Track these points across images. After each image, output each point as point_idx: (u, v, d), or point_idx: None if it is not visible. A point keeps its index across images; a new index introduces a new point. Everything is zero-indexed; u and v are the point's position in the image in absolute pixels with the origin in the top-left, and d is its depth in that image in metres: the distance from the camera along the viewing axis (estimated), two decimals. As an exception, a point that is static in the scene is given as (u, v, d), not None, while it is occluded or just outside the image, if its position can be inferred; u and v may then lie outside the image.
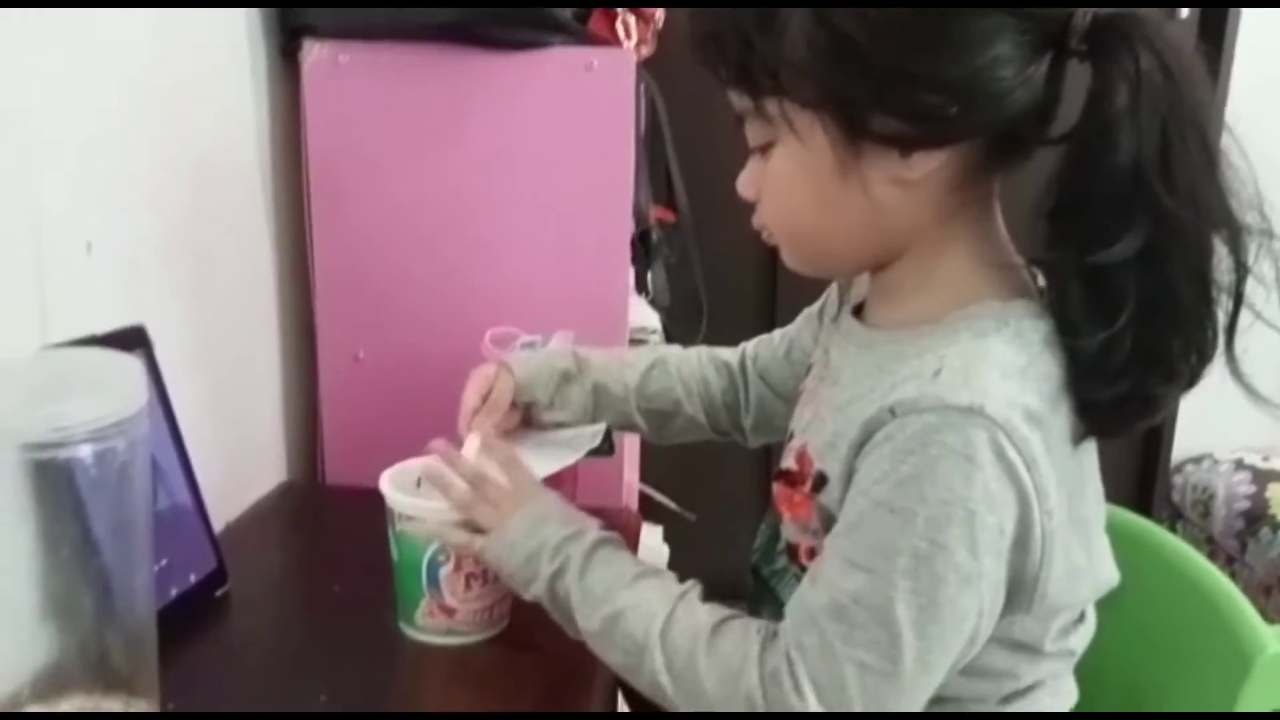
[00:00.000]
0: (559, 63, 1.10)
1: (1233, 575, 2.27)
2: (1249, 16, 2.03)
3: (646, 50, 1.35)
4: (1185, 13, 2.01)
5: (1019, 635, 0.68)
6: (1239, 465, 2.36)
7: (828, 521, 0.69)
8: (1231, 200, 0.62)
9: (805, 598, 0.66)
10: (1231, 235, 0.62)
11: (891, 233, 0.69)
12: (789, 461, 0.75)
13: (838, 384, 0.74)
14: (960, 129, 0.64)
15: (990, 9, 0.61)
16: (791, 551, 0.75)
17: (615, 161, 1.13)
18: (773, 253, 0.78)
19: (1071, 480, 0.66)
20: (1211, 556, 2.35)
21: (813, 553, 0.71)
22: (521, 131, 1.12)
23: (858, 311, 0.78)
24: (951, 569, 0.60)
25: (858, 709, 0.62)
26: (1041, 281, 0.70)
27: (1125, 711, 0.81)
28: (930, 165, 0.65)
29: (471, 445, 0.87)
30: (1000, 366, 0.63)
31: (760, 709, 0.65)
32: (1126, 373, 0.64)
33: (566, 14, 1.10)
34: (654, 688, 0.70)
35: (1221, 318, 0.64)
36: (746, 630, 0.68)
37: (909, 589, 0.61)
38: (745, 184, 0.74)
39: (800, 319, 0.96)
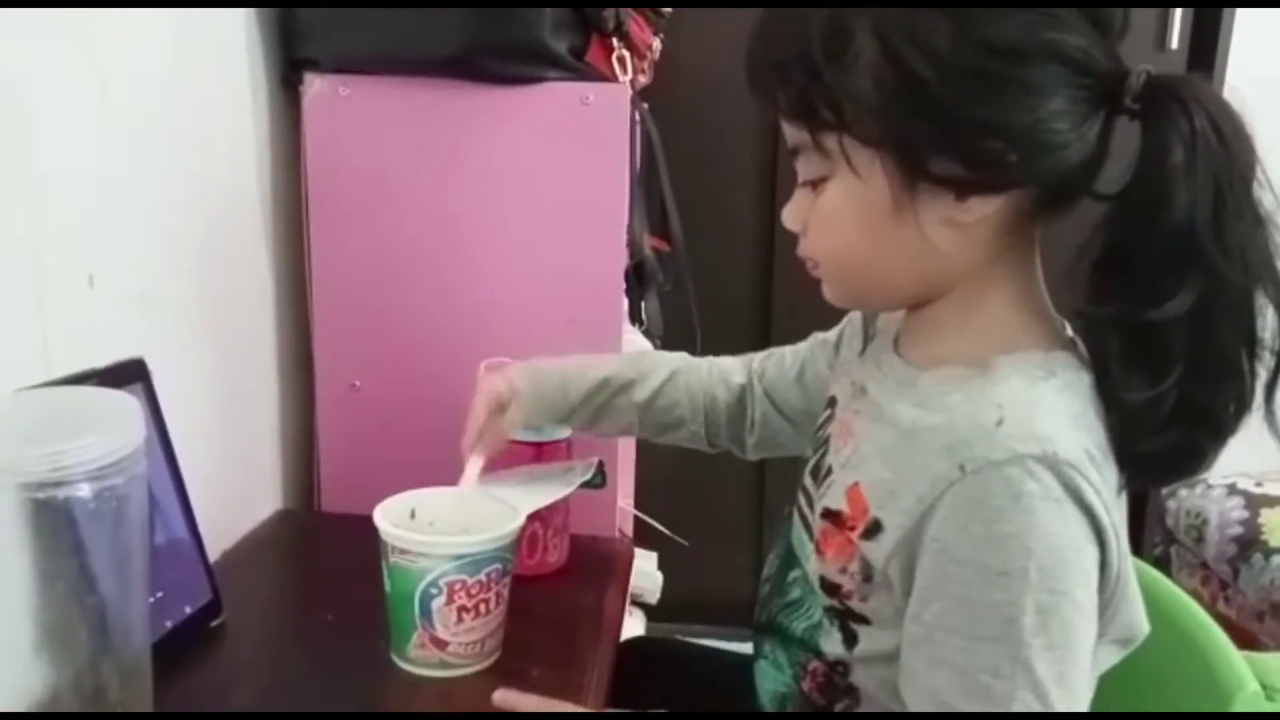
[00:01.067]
0: (555, 97, 1.11)
1: (1226, 601, 2.27)
2: (1237, 49, 2.05)
3: (644, 80, 1.37)
4: (1175, 45, 2.03)
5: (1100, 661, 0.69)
6: (1232, 490, 2.36)
7: (867, 569, 0.69)
8: (1277, 260, 0.63)
9: (933, 687, 0.65)
10: (1276, 294, 0.63)
11: (939, 272, 0.70)
12: (837, 502, 0.74)
13: (879, 420, 0.74)
14: (1017, 177, 0.65)
15: (1050, 65, 0.62)
16: (825, 587, 0.74)
17: (610, 194, 1.14)
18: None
19: (1121, 528, 0.67)
20: (1205, 582, 2.36)
21: (850, 595, 0.71)
22: (518, 164, 1.13)
23: (894, 344, 0.79)
24: (1075, 609, 0.61)
25: None
26: (1070, 332, 0.71)
27: (1121, 712, 0.82)
28: (985, 210, 0.66)
29: (473, 469, 0.89)
30: (1056, 414, 0.64)
31: None
32: (1171, 427, 0.65)
33: (563, 49, 1.11)
34: None
35: (1263, 373, 0.65)
36: None
37: (1044, 645, 0.61)
38: (791, 217, 0.75)
39: (812, 343, 0.97)
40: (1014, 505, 0.61)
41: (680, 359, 1.02)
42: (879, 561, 0.68)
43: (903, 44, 0.63)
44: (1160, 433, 0.65)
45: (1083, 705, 0.64)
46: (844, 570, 0.72)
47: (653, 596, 1.67)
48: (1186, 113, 0.61)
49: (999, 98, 0.62)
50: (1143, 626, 0.71)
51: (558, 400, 0.95)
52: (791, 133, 0.71)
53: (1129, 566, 0.66)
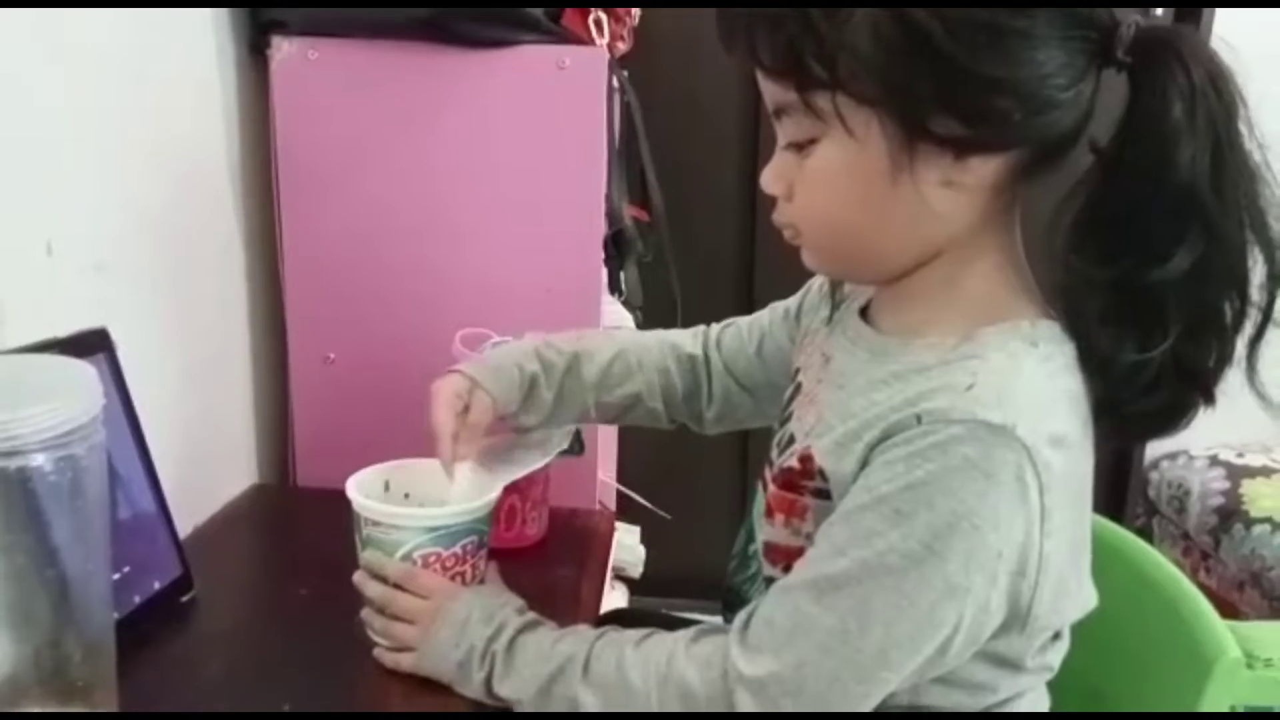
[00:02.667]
0: (531, 61, 1.09)
1: (1207, 571, 2.29)
2: (1218, 30, 2.04)
3: (624, 46, 1.35)
4: (1159, 12, 2.02)
5: (1003, 650, 0.68)
6: (1214, 461, 2.37)
7: (820, 520, 0.69)
8: (1269, 214, 0.62)
9: (787, 579, 0.67)
10: (1268, 249, 0.62)
11: (931, 235, 0.68)
12: (790, 461, 0.73)
13: (844, 389, 0.73)
14: (1020, 135, 0.63)
15: (1053, 13, 0.60)
16: (769, 554, 0.74)
17: (587, 161, 1.12)
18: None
19: (1080, 501, 0.66)
20: (1186, 553, 2.37)
21: (793, 556, 0.70)
22: (493, 130, 1.11)
23: (862, 312, 0.77)
24: (940, 577, 0.60)
25: (809, 687, 0.63)
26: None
27: (1107, 712, 0.82)
28: (984, 170, 0.64)
29: (463, 474, 0.85)
30: (1034, 388, 0.63)
31: (697, 686, 0.66)
32: (1160, 386, 0.64)
33: (538, 12, 1.09)
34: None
35: (1248, 329, 0.64)
36: (674, 636, 0.70)
37: (891, 586, 0.61)
38: (772, 180, 0.71)
39: (771, 313, 0.95)
40: (940, 458, 0.60)
41: (627, 335, 0.99)
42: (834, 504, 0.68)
43: None
44: (1149, 392, 0.64)
45: (898, 664, 0.63)
46: (799, 532, 0.71)
47: (635, 570, 1.66)
48: (1184, 67, 0.59)
49: (1006, 51, 0.60)
50: (1090, 600, 0.70)
51: (513, 388, 0.90)
52: (775, 92, 0.67)
53: (1062, 555, 0.64)
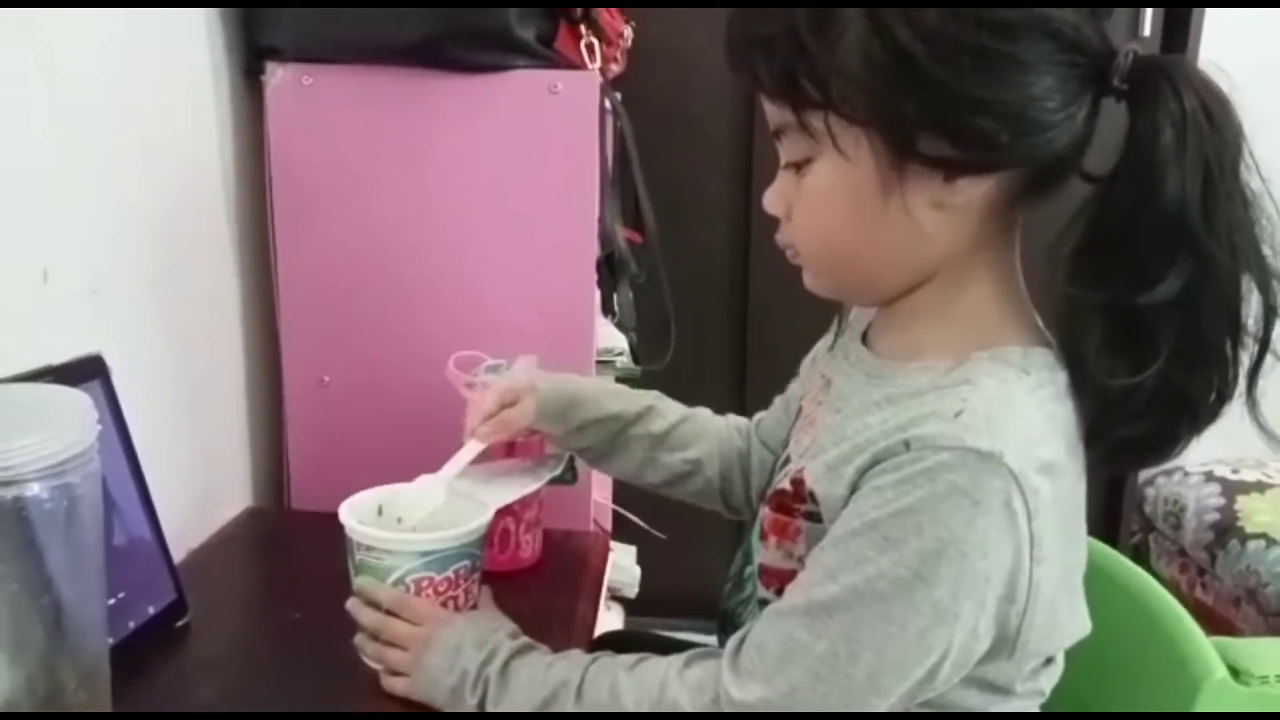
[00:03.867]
0: (523, 85, 1.10)
1: (1203, 587, 2.29)
2: (1209, 36, 2.06)
3: (617, 68, 1.36)
4: (1148, 32, 2.04)
5: (992, 676, 0.68)
6: (1209, 477, 2.38)
7: (813, 544, 0.69)
8: (1264, 244, 0.62)
9: (780, 603, 0.67)
10: (1262, 278, 0.62)
11: (923, 258, 0.69)
12: (783, 483, 0.74)
13: (840, 412, 0.73)
14: (1008, 157, 0.64)
15: (1042, 41, 0.61)
16: (764, 576, 0.75)
17: (580, 184, 1.13)
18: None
19: (1070, 527, 0.67)
20: (1183, 569, 2.38)
21: (786, 579, 0.71)
22: (486, 154, 1.12)
23: (863, 337, 0.78)
24: (929, 603, 0.61)
25: (799, 713, 0.64)
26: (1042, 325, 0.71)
27: (1104, 712, 0.82)
28: (973, 192, 0.65)
29: (471, 451, 0.88)
30: (1023, 416, 0.63)
31: (689, 711, 0.67)
32: (1149, 413, 0.64)
33: (530, 36, 1.10)
34: None
35: (1245, 360, 0.64)
36: (668, 660, 0.71)
37: (881, 612, 0.61)
38: (773, 200, 0.73)
39: (795, 382, 0.96)
40: (929, 485, 0.60)
41: (698, 410, 1.02)
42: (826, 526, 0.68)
43: (893, 18, 0.61)
44: (1138, 419, 0.64)
45: (891, 688, 0.63)
46: (791, 555, 0.72)
47: (631, 590, 1.66)
48: (1177, 94, 0.60)
49: (991, 74, 0.61)
50: (1083, 627, 0.71)
51: (572, 411, 0.93)
52: (774, 113, 0.69)
53: (1053, 581, 0.64)
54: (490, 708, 0.74)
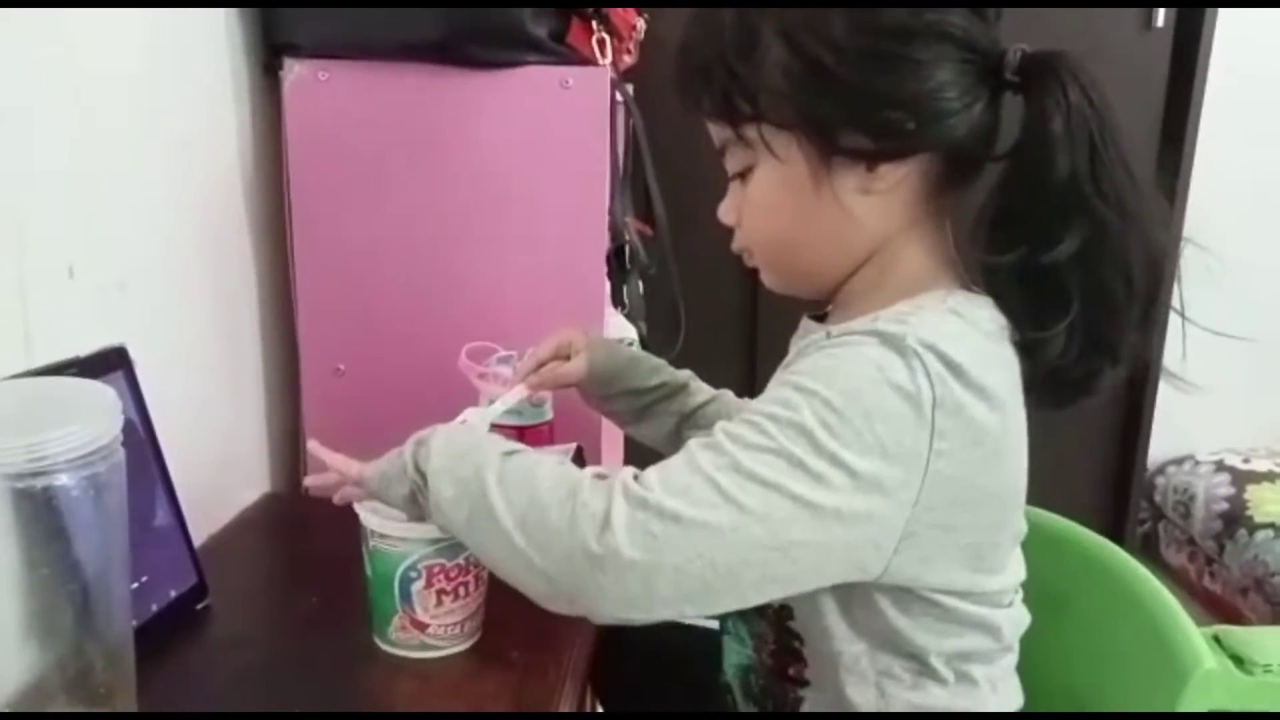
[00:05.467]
0: (535, 81, 1.12)
1: (1211, 576, 2.30)
2: (1223, 28, 2.05)
3: (629, 60, 1.37)
4: (1161, 22, 2.03)
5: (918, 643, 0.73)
6: (1219, 467, 2.39)
7: None
8: (1145, 205, 0.71)
9: (692, 443, 0.69)
10: (1142, 236, 0.71)
11: (858, 238, 0.77)
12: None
13: (786, 368, 0.78)
14: (918, 143, 0.72)
15: (935, 42, 0.70)
16: None
17: (591, 177, 1.15)
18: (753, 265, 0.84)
19: (995, 462, 0.70)
20: (1191, 558, 2.39)
21: None
22: (499, 148, 1.14)
23: (818, 319, 0.85)
24: (828, 454, 0.64)
25: (682, 515, 0.64)
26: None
27: (1099, 712, 0.83)
28: (894, 176, 0.74)
29: (516, 395, 0.96)
30: (931, 318, 0.70)
31: (584, 492, 0.68)
32: (1077, 355, 0.72)
33: (543, 33, 1.11)
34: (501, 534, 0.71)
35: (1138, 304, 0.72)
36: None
37: (779, 446, 0.64)
38: (726, 210, 0.83)
39: None
40: (842, 350, 0.68)
41: (724, 392, 1.09)
42: None
43: (804, 36, 0.71)
44: (1067, 361, 0.72)
45: (781, 535, 0.64)
46: None
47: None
48: (1062, 85, 0.69)
49: (893, 72, 0.70)
50: (989, 583, 0.74)
51: (615, 380, 1.03)
52: (717, 132, 0.79)
53: (952, 495, 0.67)
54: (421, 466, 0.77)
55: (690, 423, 1.04)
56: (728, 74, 0.74)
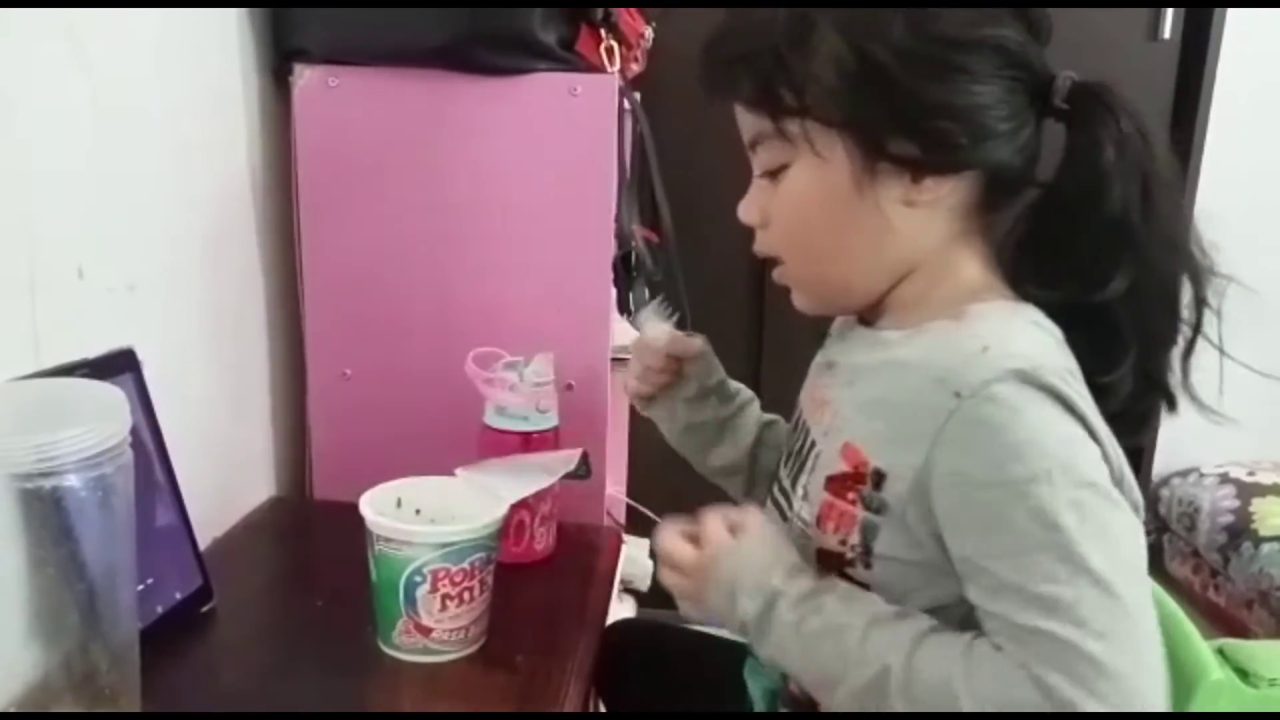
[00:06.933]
0: (544, 87, 1.12)
1: (1216, 589, 2.29)
2: (1230, 38, 2.05)
3: (637, 68, 1.37)
4: (1167, 34, 2.04)
5: None
6: (1224, 479, 2.38)
7: (868, 538, 0.70)
8: (1193, 243, 0.70)
9: (1006, 617, 0.63)
10: (1194, 273, 0.70)
11: (896, 251, 0.74)
12: (834, 466, 0.74)
13: (854, 384, 0.77)
14: (966, 159, 0.71)
15: (993, 56, 0.69)
16: (823, 560, 0.74)
17: (598, 184, 1.15)
18: (760, 272, 0.83)
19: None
20: (1196, 570, 2.38)
21: (843, 564, 0.72)
22: (506, 155, 1.14)
23: (861, 320, 0.82)
24: (1102, 498, 0.63)
25: (1127, 674, 0.60)
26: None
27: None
28: (938, 191, 0.72)
29: (470, 478, 0.92)
30: (1033, 339, 0.69)
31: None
32: (1135, 394, 0.71)
33: (552, 40, 1.12)
34: None
35: (1181, 344, 0.72)
36: (1002, 659, 0.64)
37: (1090, 536, 0.61)
38: (749, 209, 0.79)
39: None
40: (1015, 416, 0.63)
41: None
42: (899, 506, 0.68)
43: (862, 33, 0.69)
44: (1129, 401, 0.71)
45: (1145, 585, 0.64)
46: (844, 542, 0.73)
47: (644, 583, 1.69)
48: (1114, 117, 0.68)
49: (950, 82, 0.68)
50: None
51: (709, 368, 0.99)
52: (752, 123, 0.76)
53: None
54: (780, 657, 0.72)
55: (762, 442, 0.99)
56: (776, 62, 0.71)
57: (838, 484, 0.74)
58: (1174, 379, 0.73)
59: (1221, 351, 0.73)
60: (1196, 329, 0.71)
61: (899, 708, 0.65)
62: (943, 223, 0.74)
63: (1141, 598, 0.63)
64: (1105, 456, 0.65)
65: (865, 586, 0.72)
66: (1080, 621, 0.61)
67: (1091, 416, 0.65)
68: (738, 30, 0.75)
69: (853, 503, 0.72)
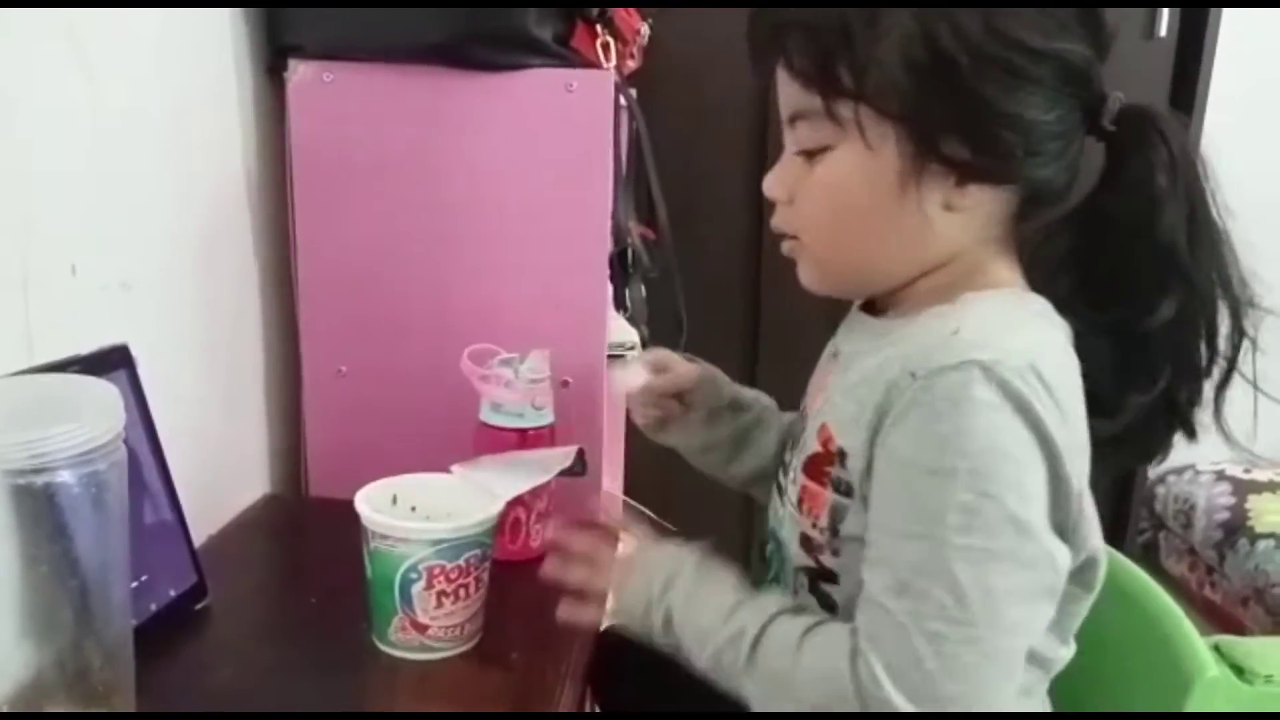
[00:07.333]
0: (540, 84, 1.12)
1: (1212, 586, 2.30)
2: (1226, 37, 2.05)
3: (633, 64, 1.37)
4: (1164, 32, 2.03)
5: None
6: (1220, 476, 2.38)
7: (835, 519, 0.71)
8: (1234, 272, 0.69)
9: (867, 588, 0.66)
10: (1234, 303, 0.69)
11: (928, 252, 0.73)
12: (812, 446, 0.75)
13: (849, 370, 0.76)
14: (1017, 171, 0.69)
15: (1060, 70, 0.67)
16: (807, 545, 0.76)
17: (594, 181, 1.15)
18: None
19: (1081, 469, 0.68)
20: (1192, 568, 2.38)
21: (821, 549, 0.74)
22: (502, 151, 1.14)
23: (866, 308, 0.81)
24: (1004, 518, 0.62)
25: (940, 683, 0.61)
26: None
27: (1105, 712, 0.83)
28: (980, 198, 0.70)
29: (466, 476, 0.91)
30: (1019, 329, 0.67)
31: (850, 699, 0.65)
32: (1154, 421, 0.71)
33: (547, 36, 1.12)
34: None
35: (1216, 374, 0.71)
36: (837, 636, 0.68)
37: (964, 545, 0.62)
38: (775, 184, 0.76)
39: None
40: (953, 408, 0.62)
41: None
42: (856, 482, 0.69)
43: (938, 23, 0.65)
44: (1145, 427, 0.71)
45: (1013, 623, 0.63)
46: (815, 524, 0.74)
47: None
48: (1166, 142, 0.68)
49: (1015, 91, 0.66)
50: (1100, 552, 0.72)
51: (723, 381, 0.97)
52: (796, 97, 0.71)
53: (1081, 482, 0.67)
54: (678, 627, 0.75)
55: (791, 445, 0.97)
56: (841, 36, 0.67)
57: (812, 465, 0.75)
58: (1205, 410, 0.72)
59: (1256, 388, 0.72)
60: (1232, 363, 0.70)
61: (742, 668, 0.69)
62: (975, 228, 0.72)
63: (996, 638, 0.62)
64: (1058, 477, 0.63)
65: (834, 577, 0.72)
66: (919, 616, 0.62)
67: (1051, 426, 0.63)
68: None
69: (823, 484, 0.73)
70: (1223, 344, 0.70)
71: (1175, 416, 0.71)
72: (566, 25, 1.14)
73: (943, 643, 0.61)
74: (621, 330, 1.30)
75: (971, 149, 0.67)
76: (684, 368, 0.95)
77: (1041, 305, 0.71)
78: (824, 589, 0.75)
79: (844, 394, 0.74)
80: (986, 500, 0.61)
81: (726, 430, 0.97)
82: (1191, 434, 0.72)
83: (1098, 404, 0.69)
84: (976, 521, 0.61)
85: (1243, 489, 2.32)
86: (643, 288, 1.33)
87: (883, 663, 0.62)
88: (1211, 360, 0.70)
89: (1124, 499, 2.38)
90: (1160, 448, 0.74)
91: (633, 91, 1.26)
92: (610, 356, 1.23)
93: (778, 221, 0.77)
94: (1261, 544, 2.16)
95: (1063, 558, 0.65)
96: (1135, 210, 0.68)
